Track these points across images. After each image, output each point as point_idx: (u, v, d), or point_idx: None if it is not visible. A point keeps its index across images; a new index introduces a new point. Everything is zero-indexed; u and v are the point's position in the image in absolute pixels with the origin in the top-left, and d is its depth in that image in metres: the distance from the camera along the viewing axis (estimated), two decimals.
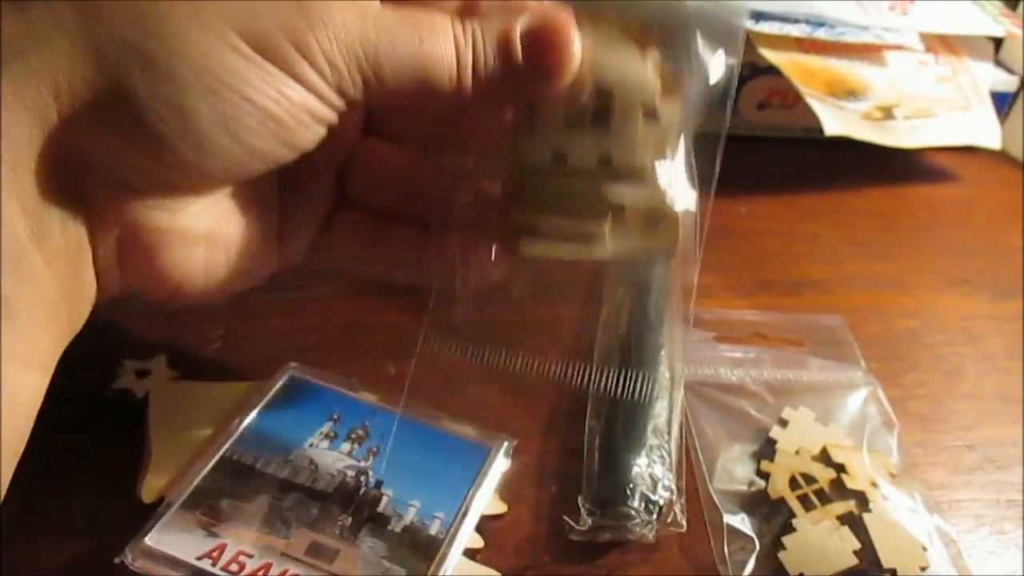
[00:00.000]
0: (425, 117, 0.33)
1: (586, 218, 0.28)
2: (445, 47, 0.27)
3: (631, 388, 0.33)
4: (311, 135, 0.27)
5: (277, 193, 0.31)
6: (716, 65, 0.29)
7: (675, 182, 0.29)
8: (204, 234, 0.28)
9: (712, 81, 0.29)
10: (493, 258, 0.31)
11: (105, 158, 0.25)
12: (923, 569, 0.31)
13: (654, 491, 0.32)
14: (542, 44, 0.27)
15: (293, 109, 0.25)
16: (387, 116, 0.34)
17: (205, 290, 0.29)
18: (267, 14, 0.24)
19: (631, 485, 0.31)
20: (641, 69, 0.27)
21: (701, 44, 0.29)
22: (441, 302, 0.31)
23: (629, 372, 0.34)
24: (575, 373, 0.34)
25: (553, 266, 0.32)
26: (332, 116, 0.26)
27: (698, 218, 0.31)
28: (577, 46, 0.27)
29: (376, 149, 0.33)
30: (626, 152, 0.27)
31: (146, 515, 0.29)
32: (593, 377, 0.34)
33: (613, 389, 0.34)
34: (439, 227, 0.32)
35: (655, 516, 0.31)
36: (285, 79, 0.25)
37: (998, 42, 0.63)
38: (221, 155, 0.25)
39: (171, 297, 0.28)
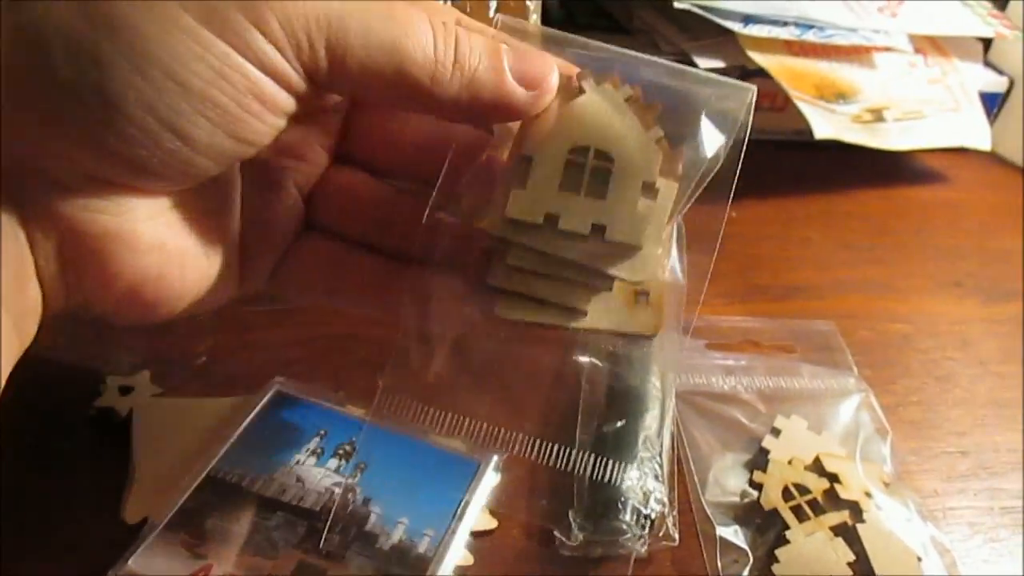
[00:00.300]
0: (405, 144, 0.32)
1: (570, 286, 0.27)
2: (423, 29, 0.25)
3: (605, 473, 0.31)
4: (264, 127, 0.24)
5: (239, 209, 0.29)
6: (716, 144, 0.28)
7: (664, 262, 0.28)
8: (154, 243, 0.25)
9: (711, 158, 0.27)
10: (466, 311, 0.29)
11: (34, 152, 0.23)
12: None
13: (646, 504, 0.31)
14: (527, 61, 0.26)
15: (237, 94, 0.23)
16: (362, 142, 0.32)
17: (156, 304, 0.26)
18: None
19: (622, 499, 0.31)
20: (644, 141, 0.26)
21: (705, 124, 0.28)
22: (402, 355, 0.29)
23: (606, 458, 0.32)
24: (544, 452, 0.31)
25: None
26: (289, 103, 0.24)
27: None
28: (555, 77, 0.26)
29: (348, 176, 0.31)
30: (620, 223, 0.26)
31: (130, 537, 0.28)
32: (568, 459, 0.31)
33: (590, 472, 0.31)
34: (411, 264, 0.30)
35: (647, 530, 0.31)
36: (230, 55, 0.22)
37: (987, 43, 0.63)
38: (155, 147, 0.23)
39: (119, 309, 0.26)
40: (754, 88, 0.27)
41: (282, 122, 0.25)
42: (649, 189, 0.26)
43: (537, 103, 0.27)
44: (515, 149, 0.27)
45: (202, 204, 0.27)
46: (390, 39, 0.24)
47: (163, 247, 0.26)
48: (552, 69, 0.27)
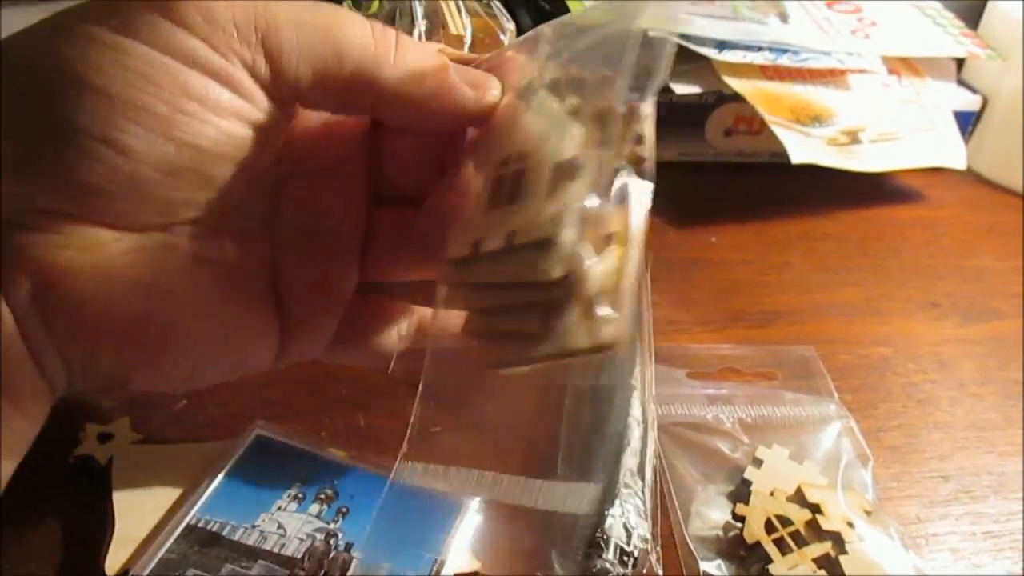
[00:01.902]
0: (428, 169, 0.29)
1: (515, 312, 0.24)
2: (357, 19, 0.25)
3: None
4: (210, 129, 0.23)
5: (267, 263, 0.27)
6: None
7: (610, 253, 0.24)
8: (138, 280, 0.24)
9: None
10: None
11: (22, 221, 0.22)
12: None
13: (628, 541, 0.31)
14: (469, 69, 0.26)
15: (166, 94, 0.22)
16: (392, 176, 0.29)
17: (164, 351, 0.25)
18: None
19: (605, 537, 0.31)
20: (556, 118, 0.23)
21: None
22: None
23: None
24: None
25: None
26: (237, 103, 0.23)
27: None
28: (497, 82, 0.26)
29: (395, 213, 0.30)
30: (526, 221, 0.22)
31: None
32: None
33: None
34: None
35: (630, 568, 0.31)
36: (150, 54, 0.22)
37: (960, 62, 0.64)
38: (93, 163, 0.22)
39: (127, 360, 0.25)
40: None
41: (237, 126, 0.24)
42: (565, 170, 0.23)
43: (482, 100, 0.26)
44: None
45: (205, 248, 0.26)
46: (325, 24, 0.24)
47: (152, 286, 0.24)
48: (493, 78, 0.26)
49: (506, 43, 0.40)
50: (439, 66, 0.26)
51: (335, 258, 0.28)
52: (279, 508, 0.31)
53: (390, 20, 0.42)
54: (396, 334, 0.31)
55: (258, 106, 0.24)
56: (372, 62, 0.25)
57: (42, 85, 0.22)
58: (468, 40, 0.41)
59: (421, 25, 0.41)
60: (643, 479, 0.34)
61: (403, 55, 0.25)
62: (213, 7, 0.23)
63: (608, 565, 0.30)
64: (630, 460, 0.34)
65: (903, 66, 0.62)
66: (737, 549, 0.33)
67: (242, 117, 0.24)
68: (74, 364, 0.24)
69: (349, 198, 0.28)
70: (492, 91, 0.26)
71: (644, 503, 0.33)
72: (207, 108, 0.23)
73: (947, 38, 0.62)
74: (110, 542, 0.30)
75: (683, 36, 0.55)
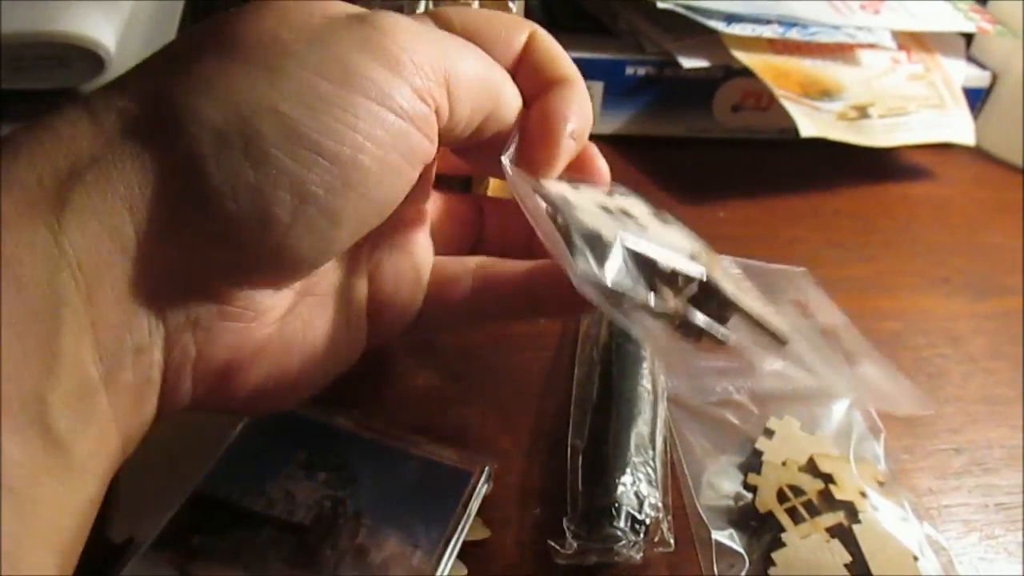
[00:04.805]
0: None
1: None
2: (508, 79, 0.28)
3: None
4: (402, 183, 0.24)
5: (365, 280, 0.30)
6: None
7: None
8: (270, 344, 0.26)
9: None
10: None
11: (178, 261, 0.22)
12: None
13: (640, 510, 0.31)
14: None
15: (381, 152, 0.23)
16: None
17: (282, 399, 0.28)
18: (347, 46, 0.23)
19: (616, 505, 0.31)
20: None
21: None
22: None
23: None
24: None
25: None
26: (426, 148, 0.24)
27: None
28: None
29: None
30: None
31: (116, 556, 0.28)
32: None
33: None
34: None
35: (642, 536, 0.30)
36: (372, 110, 0.23)
37: (969, 38, 0.64)
38: (305, 234, 0.23)
39: (241, 410, 0.28)
40: None
41: (416, 174, 0.25)
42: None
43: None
44: None
45: (321, 285, 0.28)
46: (488, 76, 0.26)
47: (285, 346, 0.26)
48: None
49: (514, 9, 0.40)
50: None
51: (413, 245, 0.30)
52: (287, 475, 0.31)
53: None
54: (466, 296, 0.31)
55: (432, 152, 0.25)
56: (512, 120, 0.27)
57: (271, 150, 0.22)
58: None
59: None
60: (654, 448, 0.34)
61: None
62: (420, 55, 0.23)
63: (620, 532, 0.30)
64: (642, 429, 0.34)
65: (913, 41, 0.61)
66: (749, 519, 0.33)
67: (423, 163, 0.25)
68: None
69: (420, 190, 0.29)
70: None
71: (655, 472, 0.33)
72: (407, 161, 0.24)
73: (957, 14, 0.62)
74: (115, 509, 0.30)
75: (691, 9, 0.55)
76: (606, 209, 0.28)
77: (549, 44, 0.29)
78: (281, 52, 0.22)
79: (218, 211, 0.22)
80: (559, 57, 0.29)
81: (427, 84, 0.24)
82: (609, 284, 0.24)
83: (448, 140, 0.26)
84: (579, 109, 0.28)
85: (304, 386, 0.28)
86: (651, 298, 0.25)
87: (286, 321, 0.26)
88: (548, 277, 0.30)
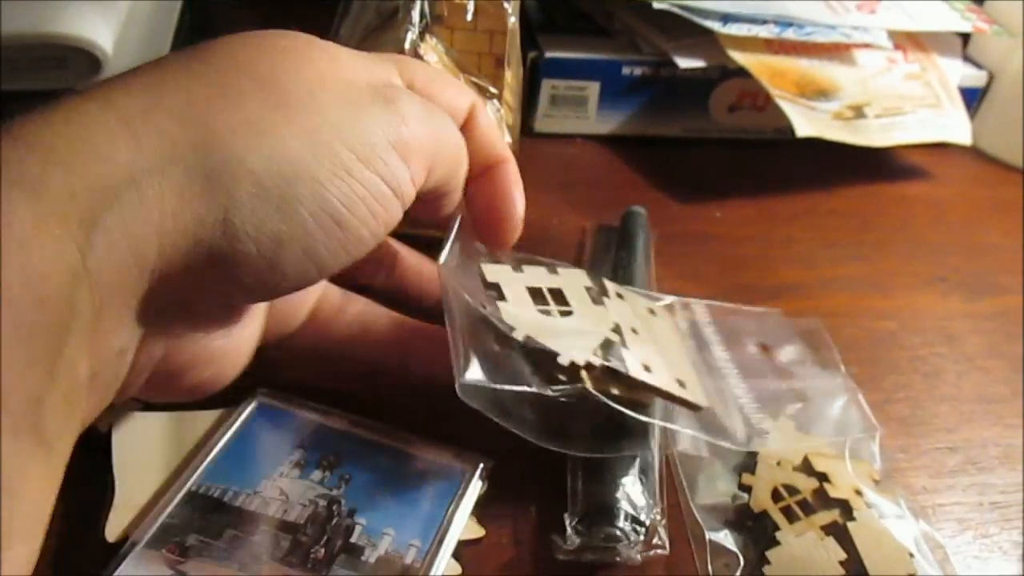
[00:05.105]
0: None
1: None
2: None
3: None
4: (373, 243, 0.27)
5: None
6: None
7: None
8: (221, 352, 0.29)
9: None
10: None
11: (180, 285, 0.24)
12: None
13: (640, 511, 0.31)
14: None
15: (376, 224, 0.26)
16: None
17: (199, 391, 0.30)
18: (370, 128, 0.26)
19: (616, 504, 0.31)
20: None
21: None
22: None
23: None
24: None
25: None
26: (398, 219, 0.28)
27: None
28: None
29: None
30: None
31: (111, 556, 0.28)
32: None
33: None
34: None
35: (642, 536, 0.30)
36: (383, 191, 0.26)
37: (966, 38, 0.64)
38: (294, 276, 0.25)
39: (170, 400, 0.31)
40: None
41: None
42: None
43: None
44: None
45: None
46: (457, 155, 0.30)
47: (224, 352, 0.29)
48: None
49: (509, 9, 0.40)
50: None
51: None
52: (281, 474, 0.31)
53: None
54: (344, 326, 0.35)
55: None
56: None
57: (295, 209, 0.24)
58: (471, 8, 0.40)
59: None
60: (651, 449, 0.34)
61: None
62: (421, 148, 0.27)
63: (619, 532, 0.30)
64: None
65: (909, 42, 0.61)
66: (744, 518, 0.33)
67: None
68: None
69: None
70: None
71: (654, 472, 0.33)
72: (386, 230, 0.27)
73: (953, 14, 0.62)
74: (110, 509, 0.30)
75: (687, 9, 0.55)
76: (538, 295, 0.33)
77: (489, 120, 0.33)
78: (319, 117, 0.25)
79: (237, 252, 0.24)
80: (497, 134, 0.33)
81: (419, 171, 0.27)
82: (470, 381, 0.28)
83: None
84: (521, 188, 0.33)
85: (225, 381, 0.30)
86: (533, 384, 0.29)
87: (235, 330, 0.29)
88: (418, 339, 0.34)
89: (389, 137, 0.26)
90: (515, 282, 0.33)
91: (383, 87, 0.27)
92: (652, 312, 0.38)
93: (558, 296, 0.33)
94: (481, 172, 0.33)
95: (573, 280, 0.35)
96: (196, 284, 0.24)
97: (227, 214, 0.23)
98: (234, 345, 0.29)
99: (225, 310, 0.28)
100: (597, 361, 0.30)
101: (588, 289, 0.35)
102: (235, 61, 0.25)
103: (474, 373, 0.28)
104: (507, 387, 0.29)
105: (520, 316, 0.31)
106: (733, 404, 0.37)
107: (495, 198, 0.33)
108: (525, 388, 0.29)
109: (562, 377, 0.30)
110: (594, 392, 0.30)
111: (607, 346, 0.32)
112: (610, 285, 0.36)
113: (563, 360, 0.30)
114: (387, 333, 0.35)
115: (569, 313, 0.33)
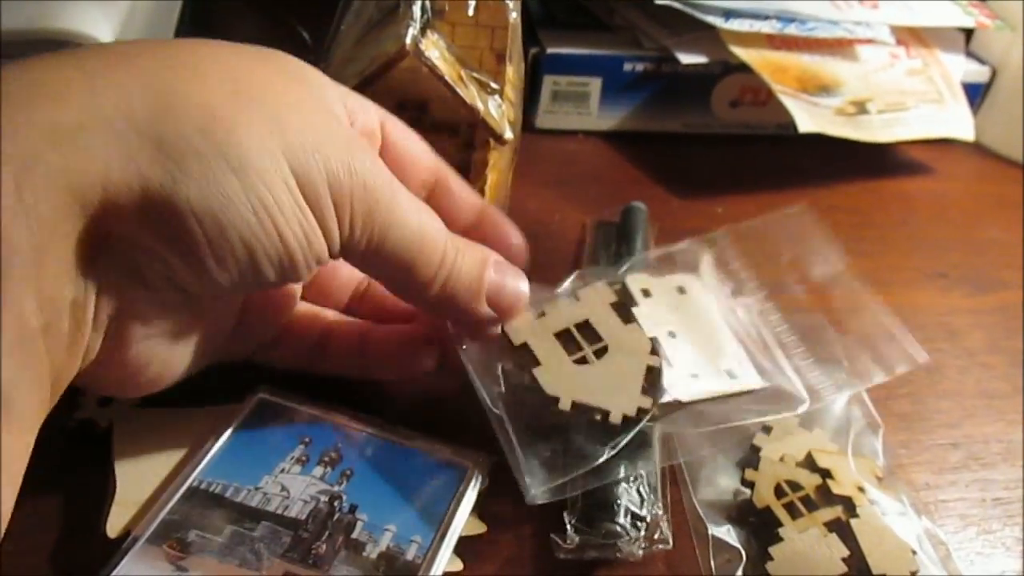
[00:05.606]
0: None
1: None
2: (438, 240, 0.29)
3: None
4: (306, 275, 0.27)
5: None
6: None
7: None
8: (171, 330, 0.28)
9: None
10: None
11: (131, 250, 0.25)
12: (913, 573, 0.31)
13: (640, 506, 0.31)
14: (504, 288, 0.32)
15: (308, 253, 0.26)
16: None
17: (158, 382, 0.29)
18: (321, 161, 0.26)
19: (617, 501, 0.31)
20: None
21: None
22: None
23: None
24: None
25: None
26: (328, 263, 0.28)
27: None
28: (527, 293, 0.32)
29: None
30: None
31: (112, 551, 0.28)
32: None
33: None
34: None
35: (643, 532, 0.30)
36: (314, 226, 0.26)
37: (968, 33, 0.63)
38: (236, 273, 0.25)
39: (121, 390, 0.30)
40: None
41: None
42: None
43: (496, 326, 0.32)
44: None
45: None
46: (412, 251, 0.29)
47: (175, 333, 0.28)
48: (523, 294, 0.32)
49: (510, 4, 0.39)
50: (472, 297, 0.31)
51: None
52: (283, 470, 0.31)
53: None
54: (313, 342, 0.35)
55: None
56: (422, 286, 0.30)
57: (238, 198, 0.24)
58: (472, 3, 0.40)
59: None
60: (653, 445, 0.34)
61: (446, 286, 0.30)
62: (361, 210, 0.27)
63: (620, 528, 0.30)
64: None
65: (911, 37, 0.61)
66: (747, 514, 0.33)
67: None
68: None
69: None
70: (510, 318, 0.33)
71: (655, 469, 0.33)
72: (317, 264, 0.28)
73: (956, 9, 0.62)
74: (111, 505, 0.30)
75: (689, 4, 0.54)
76: (569, 340, 0.33)
77: (460, 182, 0.35)
78: (276, 125, 0.25)
79: (180, 222, 0.24)
80: (469, 190, 0.35)
81: (352, 229, 0.28)
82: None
83: (356, 264, 0.30)
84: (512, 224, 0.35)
85: (169, 377, 0.30)
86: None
87: (181, 314, 0.28)
88: (379, 341, 0.35)
89: (329, 177, 0.26)
90: (541, 334, 0.33)
91: (357, 135, 0.29)
92: (682, 291, 0.37)
93: (588, 332, 0.33)
94: (469, 227, 0.34)
95: (596, 301, 0.34)
96: (142, 247, 0.24)
97: (174, 184, 0.23)
98: (182, 325, 0.29)
99: (179, 296, 0.27)
100: (647, 404, 0.31)
101: (614, 307, 0.34)
102: (221, 56, 0.26)
103: (536, 484, 0.30)
104: (572, 475, 0.30)
105: (559, 375, 0.32)
106: (786, 363, 0.36)
107: (489, 241, 0.33)
108: (588, 467, 0.30)
109: (616, 424, 0.31)
110: (650, 426, 0.31)
111: (651, 377, 0.32)
112: (633, 285, 0.36)
113: (615, 419, 0.31)
114: (349, 344, 0.35)
115: (604, 350, 0.33)
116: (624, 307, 0.34)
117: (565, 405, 0.31)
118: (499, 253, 0.33)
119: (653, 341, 0.33)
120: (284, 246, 0.26)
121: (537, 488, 0.29)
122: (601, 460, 0.30)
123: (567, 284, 0.36)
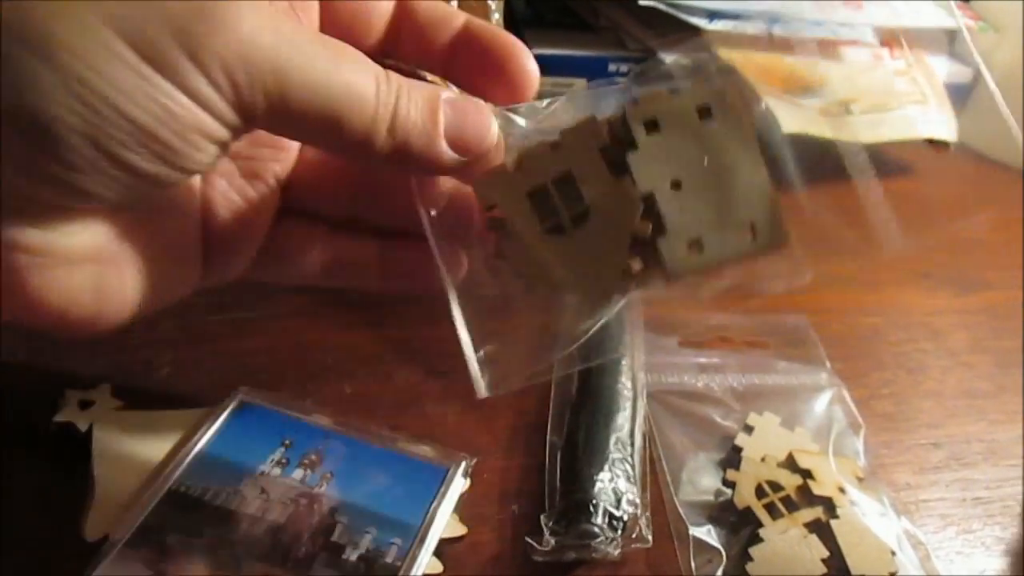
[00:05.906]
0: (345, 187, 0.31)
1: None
2: (365, 81, 0.24)
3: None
4: (203, 157, 0.23)
5: (197, 204, 0.29)
6: None
7: None
8: (90, 254, 0.25)
9: None
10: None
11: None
12: (892, 574, 0.31)
13: (618, 506, 0.31)
14: (465, 122, 0.26)
15: (179, 127, 0.22)
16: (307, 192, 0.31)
17: (100, 316, 0.26)
18: (158, 16, 0.21)
19: (594, 501, 0.31)
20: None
21: None
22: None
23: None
24: None
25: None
26: (227, 136, 0.23)
27: None
28: (491, 138, 0.27)
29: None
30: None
31: (90, 555, 0.28)
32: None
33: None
34: (402, 236, 0.31)
35: (619, 532, 0.30)
36: (173, 92, 0.22)
37: (952, 34, 0.64)
38: (94, 173, 0.22)
39: (58, 326, 0.25)
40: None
41: (220, 150, 0.24)
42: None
43: (466, 169, 0.27)
44: None
45: (147, 207, 0.26)
46: (331, 98, 0.24)
47: (101, 256, 0.25)
48: (488, 131, 0.27)
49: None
50: (428, 140, 0.26)
51: (260, 187, 0.30)
52: (262, 473, 0.31)
53: None
54: (315, 259, 0.31)
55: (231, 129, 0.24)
56: (363, 140, 0.25)
57: (56, 83, 0.21)
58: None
59: None
60: (632, 445, 0.34)
61: (393, 131, 0.25)
62: (235, 56, 0.22)
63: (596, 529, 0.30)
64: (620, 426, 0.34)
65: (895, 38, 0.61)
66: (727, 514, 0.33)
67: (228, 144, 0.24)
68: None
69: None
70: (480, 159, 0.27)
71: (633, 469, 0.33)
72: (209, 140, 0.23)
73: (940, 10, 0.62)
74: (90, 508, 0.30)
75: (673, 6, 0.54)
76: (544, 201, 0.27)
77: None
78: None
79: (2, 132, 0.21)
80: (442, 6, 0.29)
81: (231, 84, 0.23)
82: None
83: (277, 133, 0.26)
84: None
85: (119, 307, 0.26)
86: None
87: (96, 233, 0.25)
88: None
89: (172, 29, 0.21)
90: (515, 194, 0.27)
91: None
92: (708, 112, 0.27)
93: (567, 188, 0.27)
94: (448, 42, 0.29)
95: (581, 147, 0.27)
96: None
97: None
98: (107, 249, 0.25)
99: (48, 208, 0.23)
100: (622, 291, 0.27)
101: (604, 152, 0.27)
102: None
103: (484, 377, 0.27)
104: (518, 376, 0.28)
105: (528, 250, 0.27)
106: None
107: (482, 44, 0.28)
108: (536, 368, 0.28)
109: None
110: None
111: (640, 247, 0.27)
112: (635, 116, 0.27)
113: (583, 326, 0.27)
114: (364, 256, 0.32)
115: (585, 214, 0.27)
116: (617, 152, 0.27)
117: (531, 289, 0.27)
118: (499, 79, 0.28)
119: (647, 199, 0.26)
120: (139, 128, 0.22)
121: (485, 382, 0.27)
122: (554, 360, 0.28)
123: (557, 104, 0.30)
